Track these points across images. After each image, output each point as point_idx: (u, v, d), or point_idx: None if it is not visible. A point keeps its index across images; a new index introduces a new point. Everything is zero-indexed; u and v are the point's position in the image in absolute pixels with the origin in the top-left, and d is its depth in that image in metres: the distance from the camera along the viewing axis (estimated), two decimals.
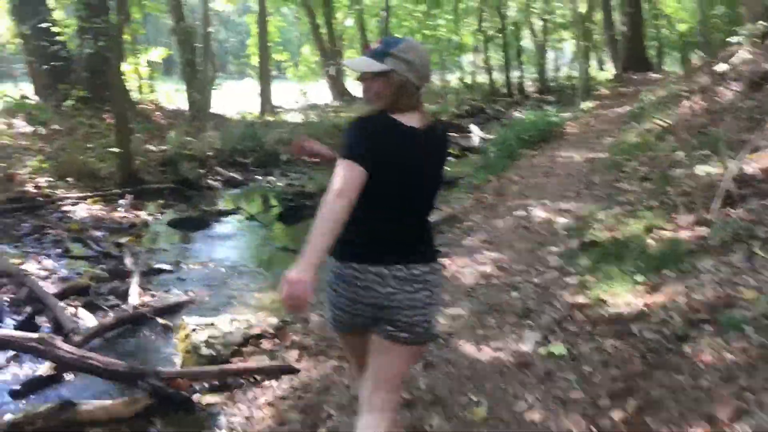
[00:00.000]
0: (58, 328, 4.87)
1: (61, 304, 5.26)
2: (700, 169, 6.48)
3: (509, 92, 28.45)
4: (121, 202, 9.30)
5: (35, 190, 9.33)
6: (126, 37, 19.83)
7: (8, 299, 5.42)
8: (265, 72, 22.81)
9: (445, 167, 2.49)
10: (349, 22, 28.63)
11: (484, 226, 6.84)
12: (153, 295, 5.71)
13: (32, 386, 4.12)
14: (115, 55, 10.41)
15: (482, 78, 30.83)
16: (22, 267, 6.15)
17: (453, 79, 31.86)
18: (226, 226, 8.43)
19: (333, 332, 2.63)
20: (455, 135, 17.46)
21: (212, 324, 4.67)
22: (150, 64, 20.41)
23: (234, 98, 24.71)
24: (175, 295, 5.76)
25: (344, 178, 2.15)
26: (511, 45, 31.11)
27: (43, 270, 6.23)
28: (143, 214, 8.65)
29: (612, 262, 5.12)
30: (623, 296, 4.35)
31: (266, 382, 3.99)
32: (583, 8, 23.47)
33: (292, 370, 4.05)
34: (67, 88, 13.80)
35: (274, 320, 4.91)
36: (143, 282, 5.98)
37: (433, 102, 24.58)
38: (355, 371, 2.69)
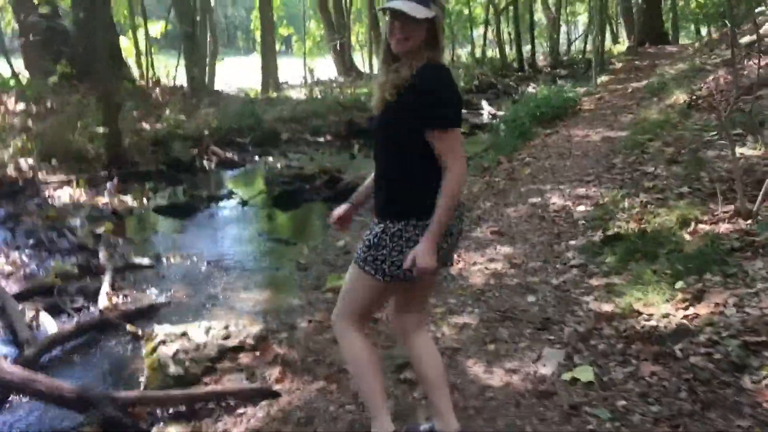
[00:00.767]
0: (14, 336, 4.31)
1: (21, 307, 4.69)
2: (737, 151, 5.81)
3: (521, 67, 27.52)
4: (108, 185, 8.71)
5: (16, 174, 8.74)
6: (122, 9, 19.24)
7: None
8: (269, 47, 22.09)
9: None
10: None
11: (495, 215, 6.20)
12: (126, 296, 5.12)
13: None
14: (99, 27, 9.73)
15: (493, 52, 29.92)
16: None
17: (463, 53, 30.97)
18: (217, 212, 7.83)
19: (387, 283, 2.45)
20: (465, 111, 16.81)
21: (185, 333, 4.08)
22: (149, 38, 19.73)
23: (239, 74, 24.05)
24: (151, 296, 5.17)
25: (461, 148, 2.25)
26: (523, 18, 30.13)
27: (9, 265, 5.66)
28: (128, 200, 8.05)
29: (642, 261, 4.50)
30: (659, 306, 3.72)
31: (241, 409, 3.39)
32: None
33: (271, 394, 3.46)
34: (54, 63, 13.15)
35: (256, 328, 4.32)
36: (117, 280, 5.40)
37: None
38: (360, 323, 2.62)
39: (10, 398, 3.63)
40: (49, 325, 4.52)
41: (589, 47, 30.50)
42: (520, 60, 27.73)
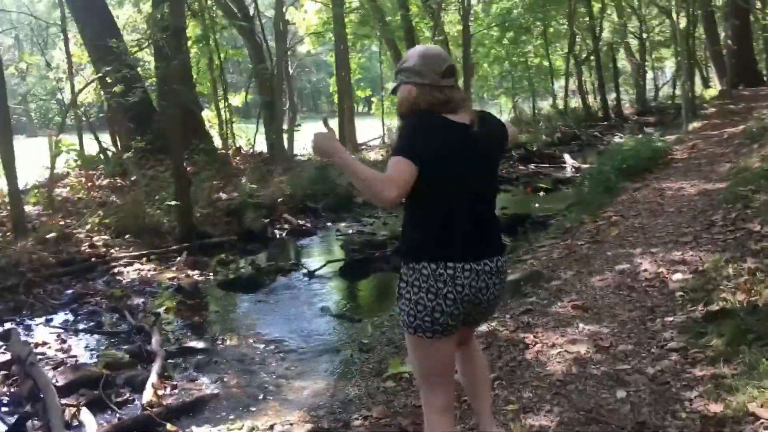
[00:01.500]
0: None
1: (63, 401, 4.42)
2: None
3: (606, 116, 26.63)
4: (179, 259, 8.60)
5: (90, 250, 8.78)
6: (206, 81, 19.84)
7: (9, 393, 4.64)
8: (347, 109, 22.21)
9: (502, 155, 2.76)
10: None
11: (578, 286, 5.55)
12: (174, 386, 4.78)
13: None
14: (172, 100, 9.82)
15: (576, 103, 29.16)
16: (39, 349, 5.41)
17: (545, 105, 30.35)
18: (282, 286, 7.49)
19: (433, 340, 2.45)
20: (546, 166, 16.14)
21: None
22: (230, 108, 20.21)
23: None
24: (201, 386, 4.81)
25: (400, 175, 2.26)
26: (605, 66, 29.34)
27: (62, 352, 5.47)
28: (195, 274, 7.87)
29: (756, 345, 3.77)
30: None
31: None
32: (682, 24, 21.67)
33: None
34: (139, 139, 13.51)
35: (306, 425, 3.87)
36: (168, 367, 5.08)
37: (524, 131, 23.28)
38: (441, 386, 2.56)
39: None
40: (89, 424, 4.20)
41: (677, 92, 29.30)
42: (605, 109, 26.90)
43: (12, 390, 4.69)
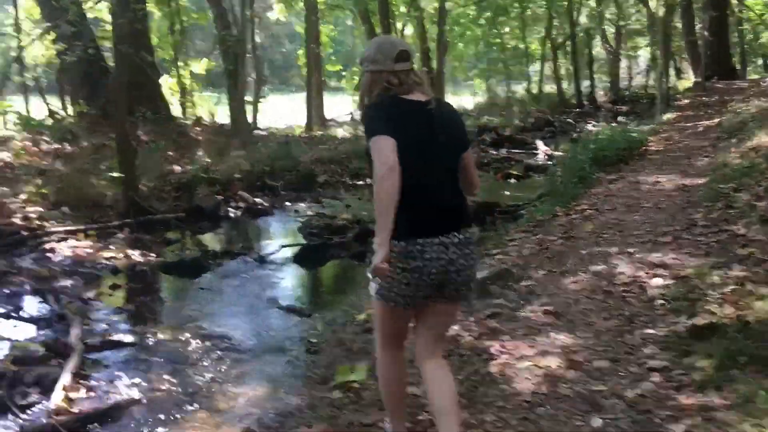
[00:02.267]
0: None
1: None
2: None
3: (579, 103, 26.29)
4: (119, 236, 7.94)
5: (22, 222, 8.05)
6: (167, 47, 18.92)
7: None
8: (315, 83, 21.43)
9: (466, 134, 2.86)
10: (408, 30, 27.03)
11: (550, 288, 5.06)
12: (90, 388, 4.18)
13: None
14: (123, 64, 9.07)
15: (550, 88, 28.75)
16: None
17: (519, 89, 29.89)
18: (230, 271, 6.88)
19: (392, 308, 2.66)
20: (518, 151, 15.69)
21: None
22: (193, 76, 19.35)
23: (290, 112, 23.50)
24: (122, 388, 4.22)
25: (383, 150, 2.41)
26: (581, 53, 28.94)
27: None
28: (135, 255, 7.21)
29: (750, 370, 3.33)
30: None
31: None
32: (660, 12, 21.32)
33: None
34: (80, 102, 12.68)
35: None
36: (87, 364, 4.48)
37: (496, 114, 22.81)
38: (393, 346, 2.84)
39: None
40: None
41: (651, 82, 29.09)
42: (578, 96, 26.55)
43: None
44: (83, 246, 7.44)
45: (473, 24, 27.13)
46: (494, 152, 15.40)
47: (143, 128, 13.77)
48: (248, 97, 18.38)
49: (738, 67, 27.86)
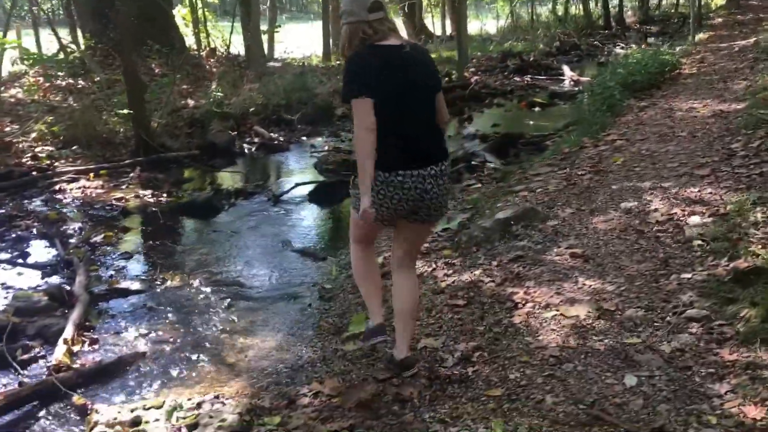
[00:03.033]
0: None
1: None
2: None
3: (607, 24, 25.16)
4: (131, 176, 7.72)
5: (32, 162, 7.86)
6: None
7: None
8: (333, 10, 20.62)
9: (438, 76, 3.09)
10: None
11: (577, 228, 4.74)
12: (95, 341, 4.02)
13: None
14: None
15: (577, 9, 27.54)
16: None
17: (544, 11, 28.68)
18: (243, 211, 6.64)
19: (373, 221, 2.87)
20: (543, 78, 15.06)
21: (137, 421, 2.96)
22: (206, 5, 18.72)
23: (306, 41, 22.83)
24: (126, 340, 4.05)
25: (361, 112, 2.74)
26: None
27: None
28: (147, 195, 6.99)
29: None
30: None
31: None
32: None
33: None
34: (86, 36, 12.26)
35: (242, 401, 3.13)
36: (92, 314, 4.31)
37: (520, 39, 21.93)
38: (363, 245, 3.27)
39: None
40: None
41: (682, 1, 27.74)
42: (606, 17, 25.39)
43: None
44: (93, 186, 7.23)
45: None
46: (518, 79, 14.78)
47: (157, 61, 13.40)
48: (264, 26, 17.78)
49: None
